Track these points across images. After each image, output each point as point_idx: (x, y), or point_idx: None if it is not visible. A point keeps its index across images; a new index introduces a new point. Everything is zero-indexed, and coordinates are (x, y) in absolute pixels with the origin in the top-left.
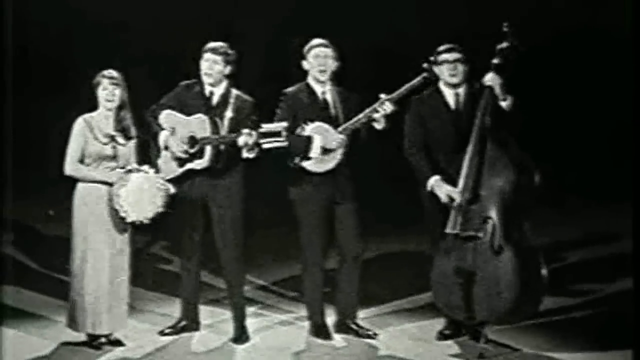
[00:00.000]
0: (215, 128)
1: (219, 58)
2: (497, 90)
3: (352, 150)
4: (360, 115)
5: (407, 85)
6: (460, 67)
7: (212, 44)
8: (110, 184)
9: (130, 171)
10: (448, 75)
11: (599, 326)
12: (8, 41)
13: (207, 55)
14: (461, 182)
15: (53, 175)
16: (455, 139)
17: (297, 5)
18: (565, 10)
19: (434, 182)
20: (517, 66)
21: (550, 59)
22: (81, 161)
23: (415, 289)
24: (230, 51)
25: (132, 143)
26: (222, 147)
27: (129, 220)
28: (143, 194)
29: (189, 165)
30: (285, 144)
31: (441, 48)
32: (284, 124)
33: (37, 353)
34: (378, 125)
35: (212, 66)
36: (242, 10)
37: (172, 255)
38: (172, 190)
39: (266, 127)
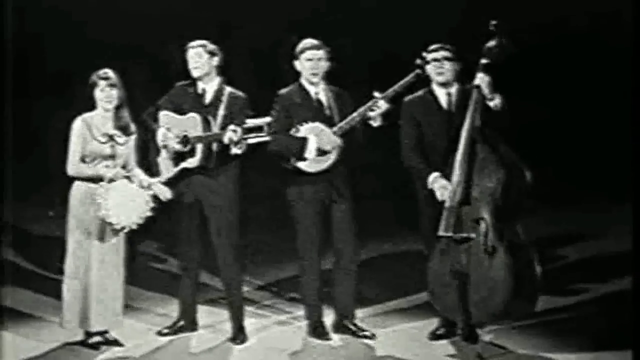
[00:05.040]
0: (207, 126)
1: (200, 50)
2: (485, 89)
3: (348, 150)
4: (355, 114)
5: (400, 83)
6: (448, 65)
7: (190, 42)
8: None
9: (127, 177)
10: (435, 73)
11: (598, 326)
12: (8, 42)
13: (189, 53)
14: (453, 184)
15: (51, 176)
16: (448, 139)
17: (292, 6)
18: (562, 9)
19: (433, 179)
20: (515, 65)
21: (549, 58)
22: (82, 161)
23: (412, 289)
24: (210, 45)
25: (132, 141)
26: (214, 146)
27: (115, 226)
28: (128, 202)
29: (182, 165)
30: (267, 138)
31: (431, 47)
32: (267, 119)
33: (34, 353)
34: (374, 123)
35: (197, 60)
36: (238, 10)
37: (168, 255)
38: (169, 195)
39: (249, 122)
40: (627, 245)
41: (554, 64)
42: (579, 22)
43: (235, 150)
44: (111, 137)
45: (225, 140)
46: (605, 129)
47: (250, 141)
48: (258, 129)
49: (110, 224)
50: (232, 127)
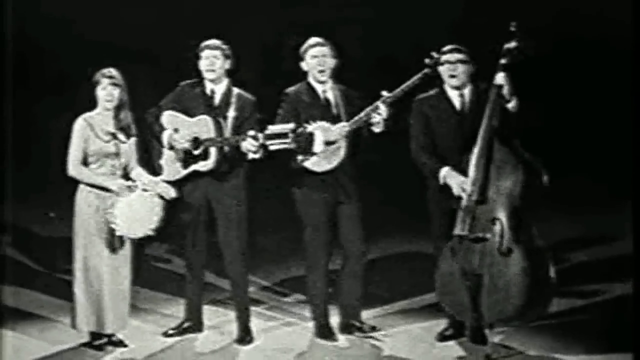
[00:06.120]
0: (219, 129)
1: (217, 53)
2: (505, 91)
3: (355, 149)
4: (362, 114)
5: (407, 83)
6: (461, 68)
7: (206, 42)
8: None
9: (130, 187)
10: (448, 76)
11: (600, 329)
12: (8, 43)
13: (206, 53)
14: (469, 181)
15: (52, 175)
16: (461, 140)
17: (298, 6)
18: (567, 13)
19: (446, 173)
20: (516, 68)
21: (550, 61)
22: (84, 161)
23: (419, 290)
24: (224, 45)
25: (133, 141)
26: (226, 148)
27: (118, 233)
28: (138, 212)
29: (193, 167)
30: (292, 145)
31: (444, 48)
32: (291, 125)
33: (38, 354)
34: (376, 129)
35: (214, 62)
36: (242, 9)
37: (173, 256)
38: (173, 194)
39: (272, 128)
40: (628, 248)
41: (552, 67)
42: (578, 24)
43: (252, 156)
44: (114, 135)
45: (244, 148)
46: (607, 130)
47: (272, 148)
48: (282, 135)
49: (119, 234)
50: (251, 132)
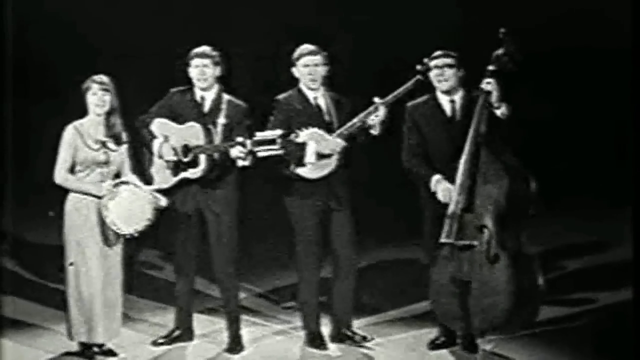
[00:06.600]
0: (208, 136)
1: (207, 61)
2: (493, 97)
3: (348, 157)
4: (355, 120)
5: (401, 89)
6: (449, 72)
7: (197, 50)
8: (100, 197)
9: (119, 184)
10: (437, 81)
11: (598, 336)
12: (8, 44)
13: (196, 61)
14: (456, 189)
15: (49, 183)
16: (451, 147)
17: (290, 11)
18: (563, 18)
19: (436, 182)
20: (514, 73)
21: (548, 65)
22: (72, 169)
23: (411, 298)
24: (214, 52)
25: (124, 148)
26: (216, 155)
27: (121, 233)
28: (132, 206)
29: (183, 175)
30: (280, 151)
31: (434, 54)
32: (279, 131)
33: None
34: (374, 131)
35: (204, 70)
36: (235, 15)
37: (165, 263)
38: (164, 203)
39: (260, 135)
40: (627, 255)
41: (550, 71)
42: (575, 29)
43: (242, 163)
44: (103, 144)
45: (233, 154)
46: (605, 136)
47: (261, 154)
48: (270, 142)
49: (115, 232)
50: (239, 139)
